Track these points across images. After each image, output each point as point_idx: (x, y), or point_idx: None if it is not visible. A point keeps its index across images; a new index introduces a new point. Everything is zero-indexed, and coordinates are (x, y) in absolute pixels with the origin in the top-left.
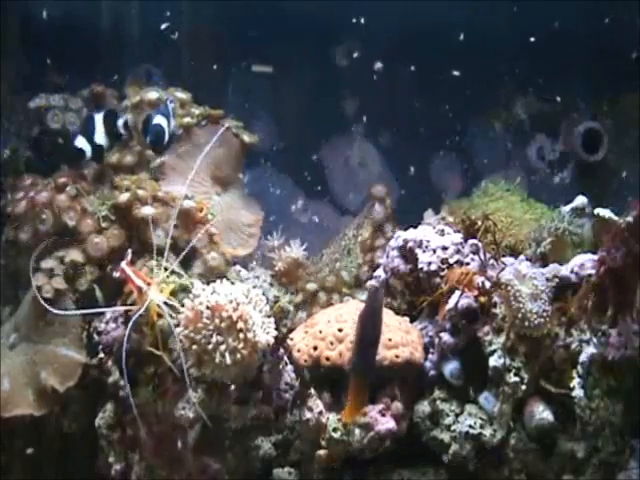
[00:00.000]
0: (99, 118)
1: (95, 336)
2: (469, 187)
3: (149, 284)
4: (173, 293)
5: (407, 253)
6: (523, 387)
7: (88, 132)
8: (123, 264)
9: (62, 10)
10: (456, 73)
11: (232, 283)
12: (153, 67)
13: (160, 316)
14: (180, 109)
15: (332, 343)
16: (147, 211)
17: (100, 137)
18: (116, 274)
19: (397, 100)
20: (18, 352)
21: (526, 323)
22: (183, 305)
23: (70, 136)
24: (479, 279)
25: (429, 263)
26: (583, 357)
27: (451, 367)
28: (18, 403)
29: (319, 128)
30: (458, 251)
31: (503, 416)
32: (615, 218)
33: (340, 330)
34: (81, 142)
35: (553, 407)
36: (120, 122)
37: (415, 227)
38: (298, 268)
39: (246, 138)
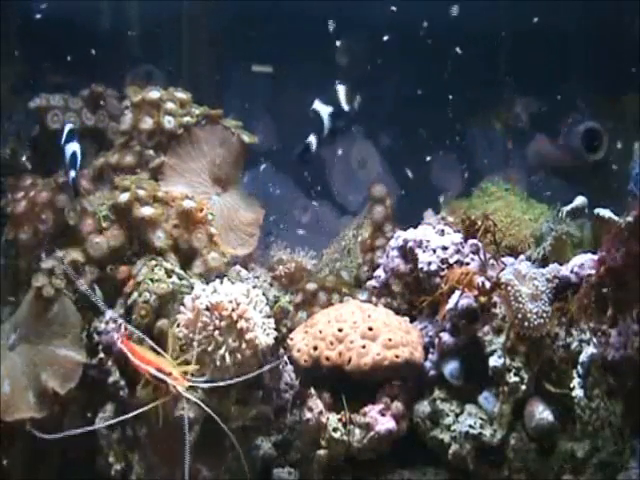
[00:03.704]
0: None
1: (95, 336)
2: (469, 187)
3: (166, 371)
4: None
5: (407, 253)
6: (523, 387)
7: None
8: (121, 345)
9: (62, 10)
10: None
11: (232, 283)
12: (153, 67)
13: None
14: (180, 109)
15: (332, 343)
16: (147, 211)
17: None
18: (120, 346)
19: (397, 100)
20: (18, 353)
21: (526, 323)
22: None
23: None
24: (479, 279)
25: (429, 263)
26: (583, 357)
27: (451, 367)
28: (19, 406)
29: (319, 128)
30: (458, 251)
31: (503, 416)
32: (615, 218)
33: (340, 330)
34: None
35: (553, 407)
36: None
37: (415, 227)
38: (301, 272)
39: (246, 138)
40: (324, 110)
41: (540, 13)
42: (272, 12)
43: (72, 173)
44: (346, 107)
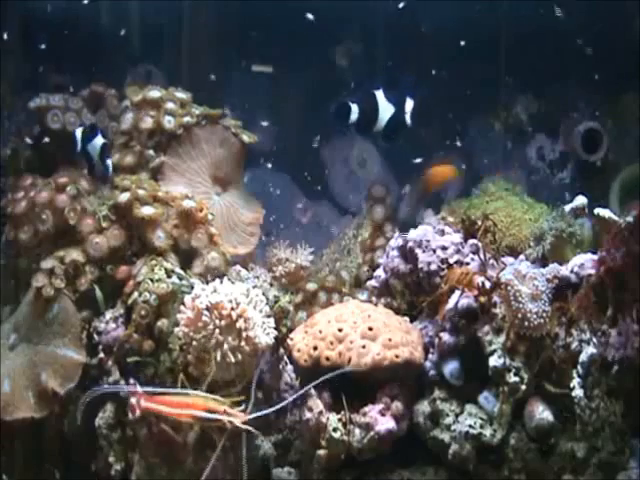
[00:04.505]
0: (100, 139)
1: (95, 336)
2: (469, 187)
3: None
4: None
5: (407, 253)
6: (523, 387)
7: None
8: (147, 405)
9: (62, 10)
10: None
11: (232, 283)
12: (153, 67)
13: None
14: (180, 109)
15: (332, 343)
16: (147, 211)
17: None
18: (145, 407)
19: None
20: (18, 353)
21: (526, 323)
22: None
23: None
24: (479, 279)
25: (429, 263)
26: (583, 357)
27: (451, 367)
28: (19, 406)
29: (319, 128)
30: (458, 251)
31: (503, 416)
32: (615, 218)
33: (340, 330)
34: (78, 134)
35: (553, 407)
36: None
37: (415, 227)
38: (300, 272)
39: (245, 138)
40: (384, 107)
41: (540, 13)
42: (272, 12)
43: (109, 161)
44: (409, 120)
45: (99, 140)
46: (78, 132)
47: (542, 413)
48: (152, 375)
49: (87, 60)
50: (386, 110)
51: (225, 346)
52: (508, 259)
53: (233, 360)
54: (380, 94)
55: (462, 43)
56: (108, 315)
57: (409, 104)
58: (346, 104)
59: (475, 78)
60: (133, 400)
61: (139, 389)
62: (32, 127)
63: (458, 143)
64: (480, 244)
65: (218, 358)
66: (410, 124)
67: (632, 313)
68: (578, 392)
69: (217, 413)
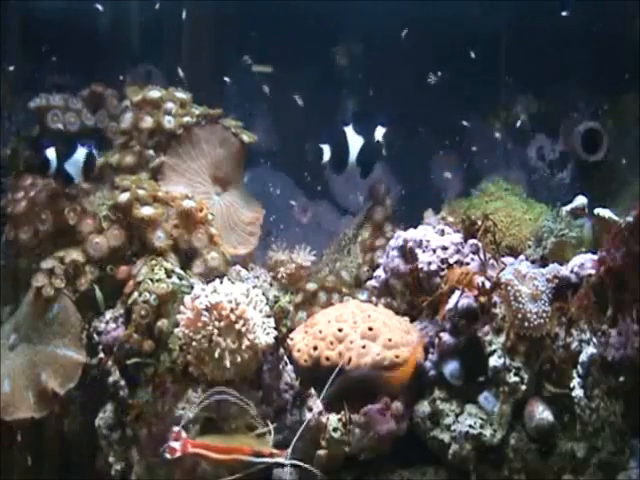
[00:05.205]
0: (82, 152)
1: (95, 336)
2: (469, 187)
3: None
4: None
5: (407, 253)
6: (523, 387)
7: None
8: (193, 450)
9: (62, 10)
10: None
11: (232, 283)
12: (153, 67)
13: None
14: (180, 109)
15: (332, 343)
16: (147, 211)
17: (72, 166)
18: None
19: (397, 100)
20: (18, 353)
21: (526, 323)
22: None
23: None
24: (479, 279)
25: (429, 263)
26: (583, 357)
27: (451, 367)
28: (19, 406)
29: (319, 128)
30: (458, 251)
31: (503, 416)
32: (615, 218)
33: (340, 330)
34: (51, 154)
35: (553, 407)
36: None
37: (415, 227)
38: (300, 272)
39: (245, 138)
40: (353, 141)
41: (540, 13)
42: (272, 12)
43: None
44: (384, 151)
45: (80, 154)
46: (50, 152)
47: (542, 413)
48: (152, 375)
49: (87, 60)
50: (355, 143)
51: (224, 346)
52: (508, 259)
53: (229, 363)
54: (349, 129)
55: (462, 43)
56: (108, 315)
57: (380, 131)
58: (318, 148)
59: (475, 78)
60: (175, 444)
61: (181, 433)
62: (32, 127)
63: (465, 123)
64: (480, 244)
65: (217, 359)
66: (383, 151)
67: (632, 313)
68: (578, 392)
69: (264, 456)
